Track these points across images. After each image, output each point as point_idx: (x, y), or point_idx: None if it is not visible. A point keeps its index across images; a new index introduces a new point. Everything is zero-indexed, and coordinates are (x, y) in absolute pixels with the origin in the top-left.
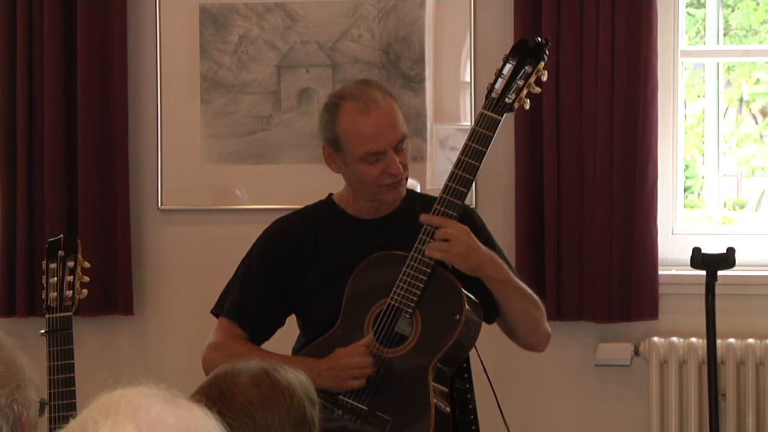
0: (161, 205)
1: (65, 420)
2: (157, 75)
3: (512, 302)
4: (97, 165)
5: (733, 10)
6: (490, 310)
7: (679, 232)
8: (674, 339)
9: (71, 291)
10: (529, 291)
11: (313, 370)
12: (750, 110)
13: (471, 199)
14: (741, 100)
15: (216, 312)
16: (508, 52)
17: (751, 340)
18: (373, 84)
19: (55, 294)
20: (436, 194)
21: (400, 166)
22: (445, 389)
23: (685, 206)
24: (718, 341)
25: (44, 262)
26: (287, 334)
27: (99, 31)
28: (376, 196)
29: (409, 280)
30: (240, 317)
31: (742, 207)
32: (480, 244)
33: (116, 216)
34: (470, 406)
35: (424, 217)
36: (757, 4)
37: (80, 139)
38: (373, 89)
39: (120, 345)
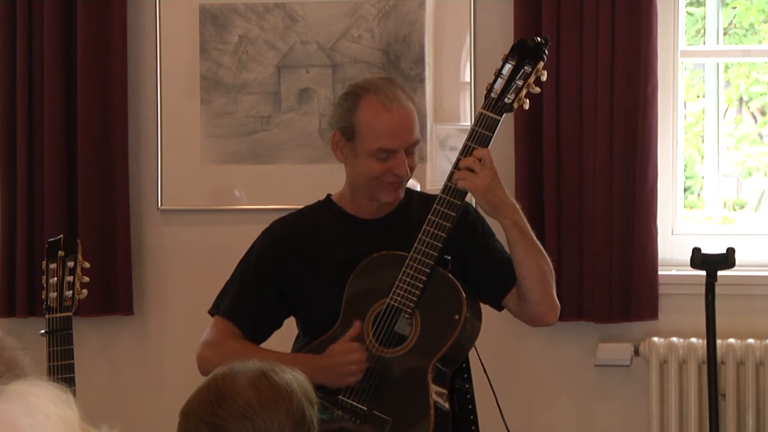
0: (161, 205)
1: None
2: (157, 75)
3: (528, 256)
4: (97, 165)
5: (731, 8)
6: (498, 290)
7: (679, 233)
8: (674, 339)
9: (71, 291)
10: (544, 251)
11: (311, 367)
12: (749, 109)
13: (470, 200)
14: (740, 100)
15: (213, 312)
16: (507, 52)
17: (751, 340)
18: (398, 84)
19: (55, 294)
20: (436, 194)
21: (408, 169)
22: (445, 389)
23: (684, 206)
24: (718, 341)
25: (44, 263)
26: (286, 335)
27: (99, 31)
28: (374, 192)
29: (408, 280)
30: (237, 317)
31: (742, 207)
32: (506, 190)
33: (116, 216)
34: (470, 406)
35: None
36: (750, 2)
37: (80, 140)
38: (397, 89)
39: (120, 345)
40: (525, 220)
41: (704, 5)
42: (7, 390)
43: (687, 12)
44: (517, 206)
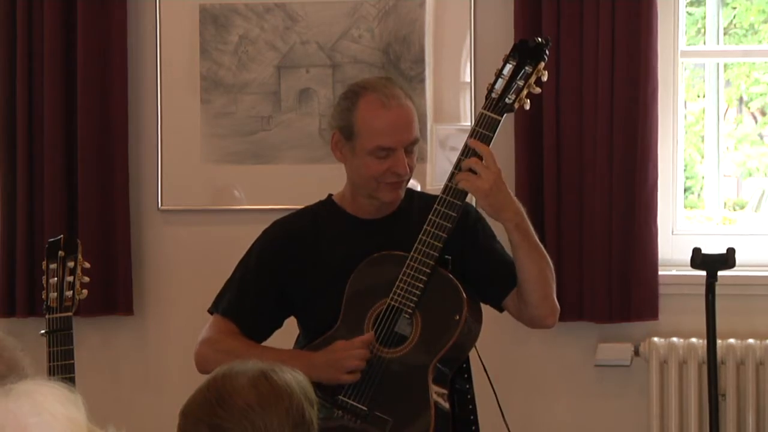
0: (161, 205)
1: None
2: (157, 75)
3: (530, 260)
4: (97, 165)
5: (731, 8)
6: (498, 292)
7: (679, 233)
8: (674, 339)
9: (71, 291)
10: (546, 254)
11: (309, 363)
12: (749, 109)
13: (470, 200)
14: (740, 100)
15: (212, 310)
16: (508, 52)
17: (751, 341)
18: (396, 83)
19: (55, 294)
20: (437, 194)
21: (407, 168)
22: (445, 389)
23: (684, 206)
24: (718, 341)
25: (44, 263)
26: (286, 335)
27: (99, 31)
28: (374, 192)
29: (409, 280)
30: (236, 316)
31: (742, 207)
32: (509, 190)
33: (116, 216)
34: (470, 406)
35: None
36: (750, 2)
37: (80, 139)
38: (396, 87)
39: (120, 345)
40: (528, 222)
41: (704, 5)
42: (14, 389)
43: (687, 12)
44: (521, 208)
